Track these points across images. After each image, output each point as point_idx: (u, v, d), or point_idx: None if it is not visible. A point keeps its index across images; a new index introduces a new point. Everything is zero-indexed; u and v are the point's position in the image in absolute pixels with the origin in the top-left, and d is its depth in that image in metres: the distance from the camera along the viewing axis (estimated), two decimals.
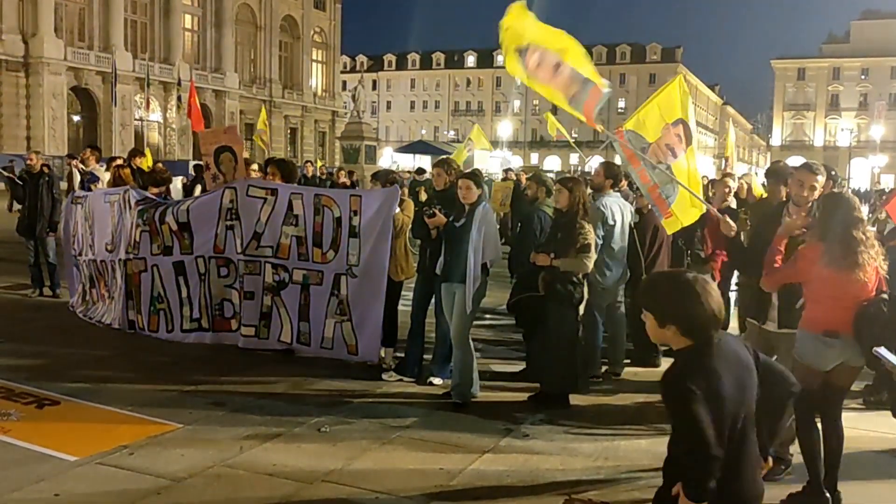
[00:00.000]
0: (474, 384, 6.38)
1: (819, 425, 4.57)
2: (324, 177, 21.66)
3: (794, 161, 12.27)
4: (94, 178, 11.24)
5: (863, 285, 4.35)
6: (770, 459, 2.79)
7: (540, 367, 6.52)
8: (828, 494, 4.47)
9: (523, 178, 15.83)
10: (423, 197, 13.04)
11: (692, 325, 2.57)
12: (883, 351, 3.68)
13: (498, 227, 8.83)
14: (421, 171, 20.20)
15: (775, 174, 6.28)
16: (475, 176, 6.47)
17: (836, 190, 5.43)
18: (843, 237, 4.32)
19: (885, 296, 4.38)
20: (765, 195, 7.25)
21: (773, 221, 5.19)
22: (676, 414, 2.54)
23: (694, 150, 6.69)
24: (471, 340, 6.37)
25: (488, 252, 6.17)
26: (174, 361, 7.29)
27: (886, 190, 21.66)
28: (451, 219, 6.40)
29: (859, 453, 5.23)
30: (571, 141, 16.96)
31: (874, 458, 5.39)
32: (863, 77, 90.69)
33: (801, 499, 4.53)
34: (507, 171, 22.94)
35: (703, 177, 19.86)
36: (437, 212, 6.46)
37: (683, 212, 6.63)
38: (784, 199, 5.91)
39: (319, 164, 32.23)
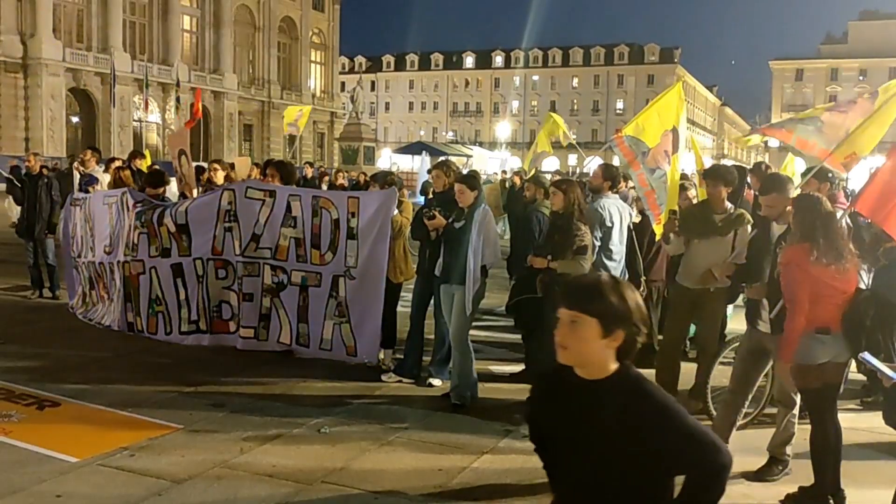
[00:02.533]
0: (473, 385, 6.40)
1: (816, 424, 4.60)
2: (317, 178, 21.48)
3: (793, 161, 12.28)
4: (92, 181, 11.23)
5: (850, 278, 4.44)
6: None
7: (539, 368, 6.54)
8: (831, 500, 4.49)
9: (517, 179, 15.70)
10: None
11: (640, 331, 2.12)
12: (867, 356, 3.72)
13: (506, 228, 8.70)
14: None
15: (714, 175, 6.31)
16: (470, 178, 6.49)
17: (810, 192, 5.45)
18: (825, 232, 4.41)
19: (869, 293, 4.45)
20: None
21: (762, 231, 5.23)
22: (677, 429, 2.06)
23: (679, 158, 6.89)
24: (470, 342, 6.39)
25: (487, 254, 6.18)
26: (174, 363, 7.30)
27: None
28: (450, 220, 6.42)
29: (858, 453, 5.25)
30: (573, 140, 16.84)
31: (872, 458, 5.41)
32: (861, 78, 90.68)
33: (802, 500, 4.55)
34: (502, 172, 22.91)
35: None
36: (436, 213, 6.48)
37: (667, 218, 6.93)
38: (724, 199, 6.03)
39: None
